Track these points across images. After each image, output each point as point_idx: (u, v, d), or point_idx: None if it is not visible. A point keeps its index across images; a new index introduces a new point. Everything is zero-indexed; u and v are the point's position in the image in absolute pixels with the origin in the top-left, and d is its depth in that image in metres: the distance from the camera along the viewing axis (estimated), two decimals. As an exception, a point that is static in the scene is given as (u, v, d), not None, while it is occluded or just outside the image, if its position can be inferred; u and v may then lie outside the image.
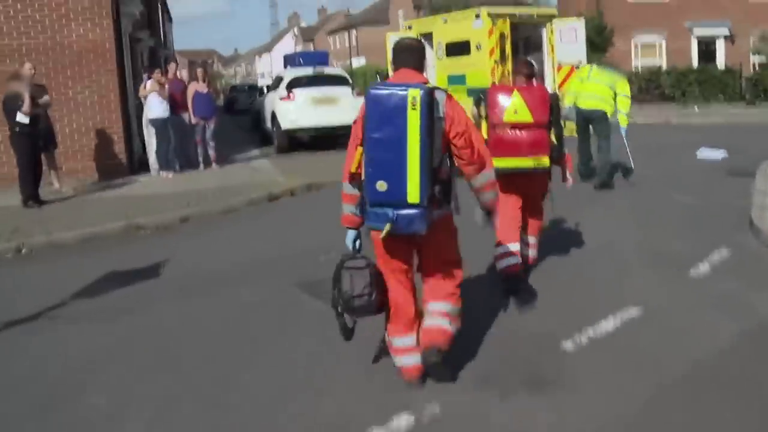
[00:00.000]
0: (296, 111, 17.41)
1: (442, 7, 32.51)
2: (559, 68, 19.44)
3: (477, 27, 21.02)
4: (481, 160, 4.49)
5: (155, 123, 14.49)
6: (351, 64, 68.70)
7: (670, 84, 29.24)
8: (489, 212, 4.76)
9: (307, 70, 19.60)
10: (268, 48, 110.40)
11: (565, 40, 20.95)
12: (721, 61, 31.96)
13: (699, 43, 32.58)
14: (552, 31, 21.44)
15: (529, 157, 6.24)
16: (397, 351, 4.65)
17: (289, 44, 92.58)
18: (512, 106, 6.20)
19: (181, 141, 15.61)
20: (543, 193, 6.74)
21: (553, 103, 6.41)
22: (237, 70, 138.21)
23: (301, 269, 7.59)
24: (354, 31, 75.92)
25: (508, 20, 20.37)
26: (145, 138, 14.91)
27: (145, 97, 14.50)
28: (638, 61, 31.77)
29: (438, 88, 4.31)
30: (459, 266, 4.71)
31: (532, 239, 6.91)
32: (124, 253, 8.87)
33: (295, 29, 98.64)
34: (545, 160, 6.31)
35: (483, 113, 6.47)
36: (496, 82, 20.59)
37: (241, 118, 32.39)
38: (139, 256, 8.49)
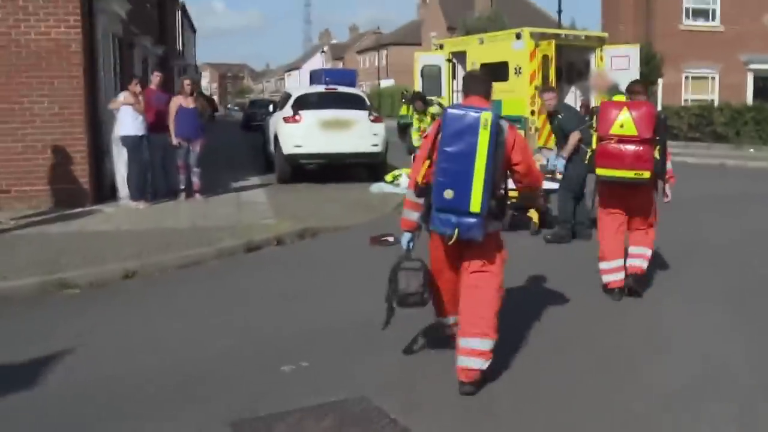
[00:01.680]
0: (302, 135, 14.76)
1: (477, 31, 29.99)
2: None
3: (517, 48, 18.49)
4: (537, 181, 5.31)
5: (126, 142, 12.01)
6: (379, 84, 66.52)
7: (723, 122, 26.44)
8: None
9: (319, 88, 17.09)
10: (297, 64, 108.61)
11: (615, 68, 18.40)
12: (779, 98, 29.15)
13: (755, 78, 29.73)
14: (602, 58, 18.99)
15: (631, 170, 6.74)
16: (443, 326, 5.58)
17: (318, 61, 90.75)
18: (619, 120, 6.73)
19: (163, 164, 13.15)
20: (649, 206, 7.17)
21: (659, 121, 6.88)
22: (265, 85, 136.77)
23: (248, 391, 5.00)
24: (384, 51, 73.79)
25: (553, 42, 17.84)
26: (114, 159, 12.42)
27: (117, 111, 12.05)
28: (688, 95, 29.03)
29: (502, 116, 4.96)
30: (499, 277, 5.12)
31: (641, 250, 7.27)
32: (13, 331, 6.33)
33: (325, 47, 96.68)
34: (646, 174, 6.76)
35: (594, 125, 7.11)
36: (536, 111, 18.19)
37: (257, 135, 29.91)
38: (26, 341, 5.96)
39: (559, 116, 9.92)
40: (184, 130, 12.68)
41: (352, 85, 49.79)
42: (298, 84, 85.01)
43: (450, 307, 5.41)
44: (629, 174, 6.75)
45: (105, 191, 12.78)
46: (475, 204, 4.74)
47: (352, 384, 5.11)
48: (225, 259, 8.99)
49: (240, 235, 9.70)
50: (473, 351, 4.95)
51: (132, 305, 7.16)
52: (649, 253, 7.30)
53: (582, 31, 20.69)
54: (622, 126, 6.71)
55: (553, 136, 18.07)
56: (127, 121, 11.95)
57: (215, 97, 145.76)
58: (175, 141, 12.68)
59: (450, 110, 4.96)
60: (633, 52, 18.65)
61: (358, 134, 14.94)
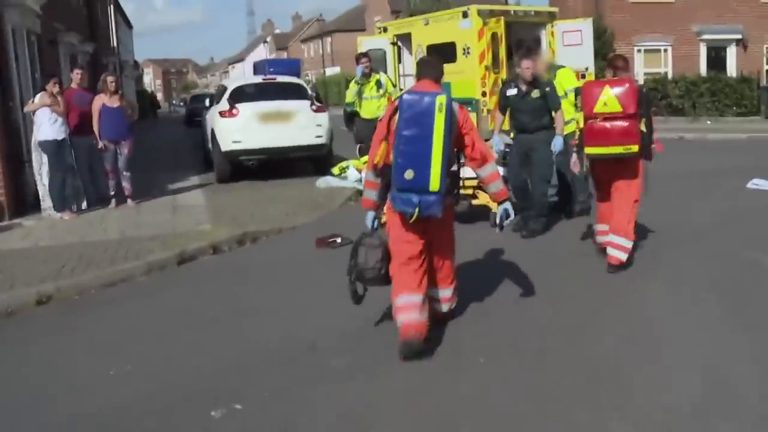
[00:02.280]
0: (239, 129, 13.68)
1: (422, 13, 29.10)
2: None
3: (465, 27, 17.63)
4: (482, 156, 5.43)
5: (45, 147, 10.92)
6: (324, 72, 65.39)
7: (679, 94, 25.95)
8: (500, 203, 5.59)
9: (256, 79, 16.05)
10: (241, 56, 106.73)
11: (567, 43, 17.70)
12: (732, 69, 28.69)
13: (708, 49, 29.27)
14: (553, 33, 18.24)
15: (618, 146, 6.89)
16: (400, 309, 5.32)
17: (262, 53, 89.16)
18: (602, 98, 6.87)
19: (91, 169, 12.06)
20: (635, 179, 7.22)
21: (641, 95, 7.06)
22: (210, 79, 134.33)
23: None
24: (329, 39, 72.62)
25: (502, 19, 17.03)
26: (35, 167, 11.31)
27: (34, 114, 10.96)
28: (641, 68, 28.41)
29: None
30: (453, 246, 5.78)
31: (621, 241, 7.22)
32: None
33: (268, 37, 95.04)
34: (634, 148, 6.89)
35: (579, 105, 7.37)
36: (488, 92, 17.42)
37: (199, 131, 28.72)
38: None
39: (547, 89, 8.73)
40: (109, 131, 11.59)
41: (296, 74, 48.61)
42: (243, 76, 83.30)
43: (410, 284, 5.39)
44: (618, 149, 6.90)
45: (26, 203, 11.67)
46: (434, 183, 5.02)
47: (294, 429, 4.24)
48: (155, 274, 8.01)
49: (172, 246, 8.72)
50: (444, 298, 5.74)
51: (41, 338, 6.18)
52: (630, 245, 7.26)
53: (531, 7, 19.88)
54: (605, 104, 6.85)
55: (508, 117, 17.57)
56: (45, 124, 10.86)
57: (159, 95, 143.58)
58: (100, 144, 11.59)
59: (406, 95, 5.18)
60: (585, 26, 17.92)
61: (300, 126, 13.92)
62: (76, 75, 12.12)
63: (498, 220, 5.61)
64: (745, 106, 25.20)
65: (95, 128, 11.53)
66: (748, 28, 28.77)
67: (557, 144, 8.81)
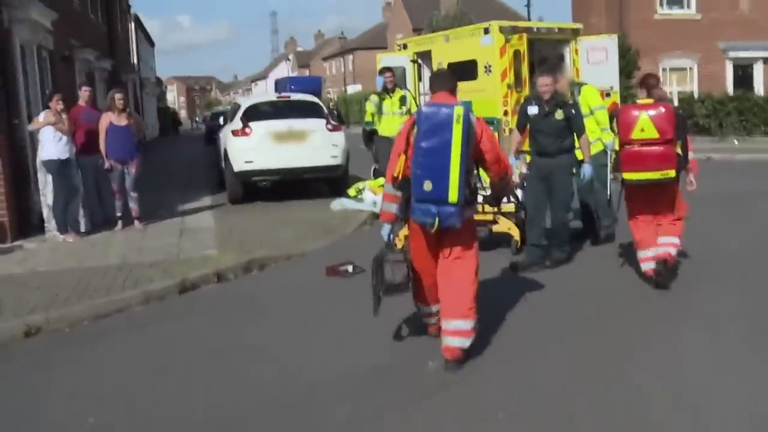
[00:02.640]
0: (252, 149, 13.24)
1: (444, 30, 28.68)
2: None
3: (486, 44, 17.14)
4: (506, 168, 5.64)
5: (49, 166, 10.55)
6: (346, 90, 65.20)
7: (705, 114, 25.29)
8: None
9: (270, 97, 15.62)
10: (264, 74, 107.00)
11: (593, 61, 17.17)
12: (759, 87, 27.98)
13: (735, 67, 28.57)
14: (577, 51, 17.71)
15: (656, 171, 6.90)
16: (428, 315, 5.83)
17: (284, 70, 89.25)
18: (640, 124, 6.87)
19: (98, 190, 11.66)
20: (674, 200, 7.31)
21: (679, 118, 7.05)
22: (233, 96, 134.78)
23: None
24: (350, 56, 72.47)
25: (524, 36, 16.52)
26: (40, 187, 10.93)
27: (39, 132, 10.59)
28: (666, 87, 27.78)
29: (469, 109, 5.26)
30: (475, 260, 5.52)
31: (669, 239, 7.31)
32: None
33: (290, 55, 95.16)
34: (671, 173, 6.94)
35: (615, 129, 7.38)
36: (510, 111, 16.89)
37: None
38: None
39: (572, 111, 8.07)
40: (116, 150, 11.19)
41: (318, 92, 48.46)
42: (264, 94, 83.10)
43: (432, 296, 5.66)
44: (656, 175, 6.90)
45: (31, 224, 11.27)
46: (453, 194, 5.09)
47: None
48: (153, 303, 7.54)
49: (174, 273, 8.26)
50: (456, 331, 5.34)
51: (23, 376, 5.71)
52: (677, 241, 7.35)
53: (554, 24, 19.37)
54: (642, 130, 6.84)
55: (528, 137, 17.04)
56: (49, 143, 10.50)
57: (182, 112, 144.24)
58: (107, 164, 11.18)
59: (424, 108, 5.30)
60: (610, 43, 17.39)
61: (315, 146, 13.45)
62: (84, 92, 11.72)
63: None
64: (775, 126, 24.51)
65: (102, 147, 11.13)
66: (775, 46, 28.14)
67: (586, 173, 8.25)
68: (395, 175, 5.33)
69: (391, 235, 5.55)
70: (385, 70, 12.75)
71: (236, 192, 13.64)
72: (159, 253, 9.48)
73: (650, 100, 7.09)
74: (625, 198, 7.53)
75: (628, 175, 7.05)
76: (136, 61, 37.13)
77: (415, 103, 12.29)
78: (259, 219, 11.91)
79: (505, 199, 8.78)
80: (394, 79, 12.49)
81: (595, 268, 8.20)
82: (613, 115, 7.48)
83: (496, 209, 8.86)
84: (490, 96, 17.04)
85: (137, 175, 11.45)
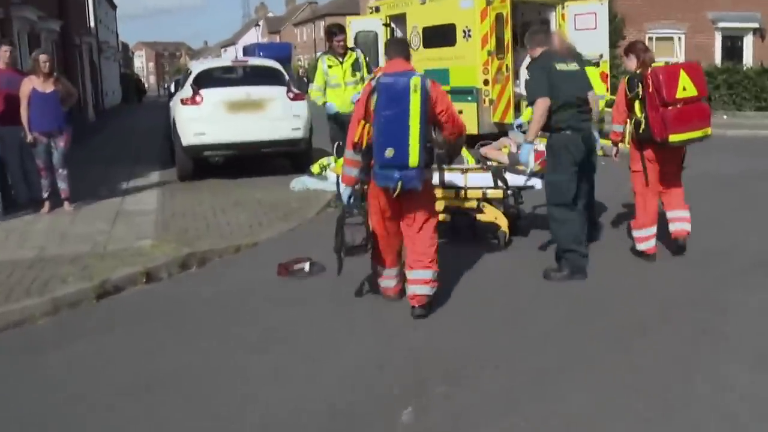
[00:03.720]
0: (203, 120, 11.68)
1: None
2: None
3: (466, 7, 15.74)
4: (460, 129, 5.83)
5: (-41, 139, 9.03)
6: (316, 56, 63.43)
7: (692, 86, 23.96)
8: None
9: (225, 62, 14.09)
10: (234, 40, 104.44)
11: (580, 27, 15.85)
12: (748, 60, 26.72)
13: (724, 38, 27.25)
14: (564, 16, 16.40)
15: (699, 130, 6.70)
16: (383, 277, 6.05)
17: (254, 37, 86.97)
18: (681, 82, 6.55)
19: (23, 166, 10.10)
20: (681, 163, 7.18)
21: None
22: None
23: None
24: (321, 23, 70.45)
25: (508, -1, 15.14)
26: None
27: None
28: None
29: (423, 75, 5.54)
30: (435, 218, 5.91)
31: (683, 213, 7.15)
32: None
33: (261, 21, 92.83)
34: (709, 131, 6.80)
35: (641, 94, 6.76)
36: (490, 80, 15.55)
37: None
38: None
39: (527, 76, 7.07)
40: (41, 121, 9.62)
41: (288, 59, 46.54)
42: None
43: (389, 257, 5.96)
44: (699, 134, 6.74)
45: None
46: (414, 158, 5.38)
47: None
48: (63, 314, 6.12)
49: (94, 271, 6.82)
50: (420, 280, 5.68)
51: None
52: (689, 214, 7.18)
53: (540, -14, 17.98)
54: (684, 89, 6.58)
55: (512, 108, 15.65)
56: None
57: (152, 78, 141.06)
58: (30, 137, 9.64)
59: (382, 78, 5.48)
60: (600, 8, 16.05)
61: (275, 116, 11.91)
62: (4, 52, 10.05)
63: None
64: (765, 100, 23.25)
65: (23, 117, 9.58)
66: (767, 16, 26.81)
67: (527, 159, 6.95)
68: (356, 141, 5.54)
69: (352, 199, 5.76)
70: (336, 30, 10.34)
71: (185, 168, 12.13)
72: (84, 242, 8.03)
73: (675, 60, 6.53)
74: (638, 168, 7.01)
75: (674, 137, 6.60)
76: (93, 23, 35.09)
77: (367, 68, 10.50)
78: (208, 200, 10.45)
79: (491, 184, 7.55)
80: (345, 43, 10.29)
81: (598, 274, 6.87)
82: (636, 80, 6.82)
83: (482, 195, 7.59)
84: (469, 63, 15.72)
85: (66, 149, 9.91)
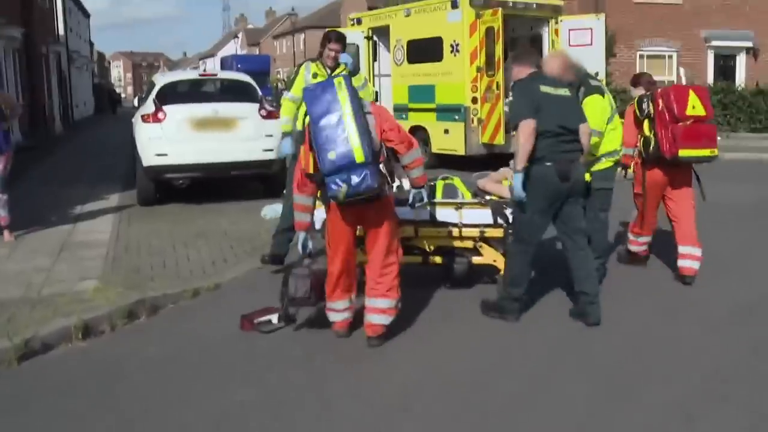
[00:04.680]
0: (166, 139, 10.55)
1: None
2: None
3: (454, 20, 14.78)
4: (408, 141, 5.37)
5: None
6: (301, 62, 62.50)
7: (686, 106, 23.16)
8: (418, 189, 5.60)
9: (191, 74, 13.00)
10: (213, 52, 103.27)
11: (575, 43, 14.95)
12: (741, 79, 25.94)
13: (716, 56, 26.43)
14: (557, 31, 15.50)
15: (707, 149, 6.71)
16: (331, 310, 5.60)
17: (233, 49, 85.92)
18: (691, 101, 6.65)
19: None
20: (690, 183, 7.07)
21: None
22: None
23: None
24: (301, 35, 69.51)
25: (500, 11, 14.20)
26: None
27: None
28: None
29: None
30: (397, 251, 5.49)
31: (693, 250, 6.95)
32: None
33: (240, 32, 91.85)
34: (716, 151, 6.78)
35: (651, 111, 6.84)
36: (479, 99, 14.57)
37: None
38: None
39: (510, 96, 6.61)
40: (-25, 139, 8.54)
41: (266, 71, 45.35)
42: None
43: (342, 286, 5.54)
44: (707, 152, 6.74)
45: None
46: (358, 154, 4.91)
47: None
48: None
49: (20, 325, 5.69)
50: (376, 308, 5.42)
51: None
52: (700, 253, 6.95)
53: (531, -1, 17.06)
54: (693, 107, 6.65)
55: (502, 128, 14.66)
56: None
57: (129, 88, 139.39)
58: (-37, 157, 8.52)
59: (305, 89, 5.48)
60: (597, 24, 15.23)
61: (245, 136, 10.80)
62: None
63: (411, 199, 5.65)
64: (760, 122, 22.46)
65: (-44, 135, 8.47)
66: (760, 35, 26.07)
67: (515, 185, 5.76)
68: (310, 171, 5.16)
69: (309, 244, 5.51)
70: (332, 37, 7.60)
71: (146, 191, 10.98)
72: (16, 284, 6.89)
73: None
74: (645, 185, 7.08)
75: (684, 152, 6.63)
76: (62, 31, 33.81)
77: (373, 89, 9.06)
78: (167, 230, 9.32)
79: (490, 221, 6.53)
80: (337, 55, 7.42)
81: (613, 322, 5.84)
82: (645, 99, 6.97)
83: (479, 233, 6.55)
84: (456, 80, 14.75)
85: (5, 172, 8.80)
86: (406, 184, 6.51)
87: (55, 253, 8.14)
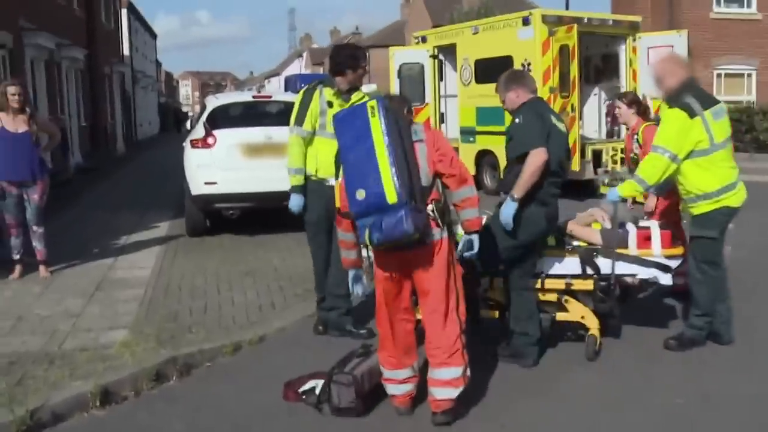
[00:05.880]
0: (216, 166, 9.82)
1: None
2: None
3: (525, 38, 13.82)
4: (460, 175, 4.52)
5: None
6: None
7: (767, 127, 21.77)
8: (469, 234, 4.69)
9: (245, 96, 12.30)
10: (278, 71, 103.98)
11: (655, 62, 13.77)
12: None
13: (797, 74, 24.91)
14: (635, 49, 14.44)
15: None
16: (389, 381, 4.71)
17: (297, 68, 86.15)
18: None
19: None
20: None
21: None
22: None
23: None
24: (366, 54, 69.16)
25: (574, 28, 13.22)
26: None
27: None
28: (721, 96, 24.12)
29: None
30: (458, 307, 4.55)
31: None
32: None
33: (304, 52, 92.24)
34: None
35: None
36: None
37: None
38: None
39: (516, 120, 5.44)
40: (9, 169, 7.89)
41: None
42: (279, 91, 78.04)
43: (397, 352, 4.66)
44: None
45: None
46: (390, 193, 4.13)
47: None
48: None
49: (30, 390, 4.93)
50: (439, 381, 4.53)
51: None
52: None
53: (609, 15, 16.03)
54: None
55: (577, 154, 13.64)
56: None
57: (197, 107, 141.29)
58: (-2, 186, 7.89)
59: (335, 115, 4.59)
60: (678, 40, 14.10)
61: (300, 163, 10.03)
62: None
63: (461, 247, 4.69)
64: None
65: (-13, 162, 7.85)
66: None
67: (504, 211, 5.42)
68: (339, 206, 4.68)
69: (362, 285, 4.82)
70: (359, 55, 6.44)
71: (195, 222, 10.26)
72: (40, 333, 6.18)
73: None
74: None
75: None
76: (127, 52, 33.78)
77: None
78: (213, 268, 8.56)
79: (578, 271, 5.59)
80: (360, 77, 6.36)
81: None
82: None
83: (564, 285, 5.62)
84: (529, 101, 13.74)
85: (41, 203, 8.14)
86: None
87: (88, 294, 7.43)
